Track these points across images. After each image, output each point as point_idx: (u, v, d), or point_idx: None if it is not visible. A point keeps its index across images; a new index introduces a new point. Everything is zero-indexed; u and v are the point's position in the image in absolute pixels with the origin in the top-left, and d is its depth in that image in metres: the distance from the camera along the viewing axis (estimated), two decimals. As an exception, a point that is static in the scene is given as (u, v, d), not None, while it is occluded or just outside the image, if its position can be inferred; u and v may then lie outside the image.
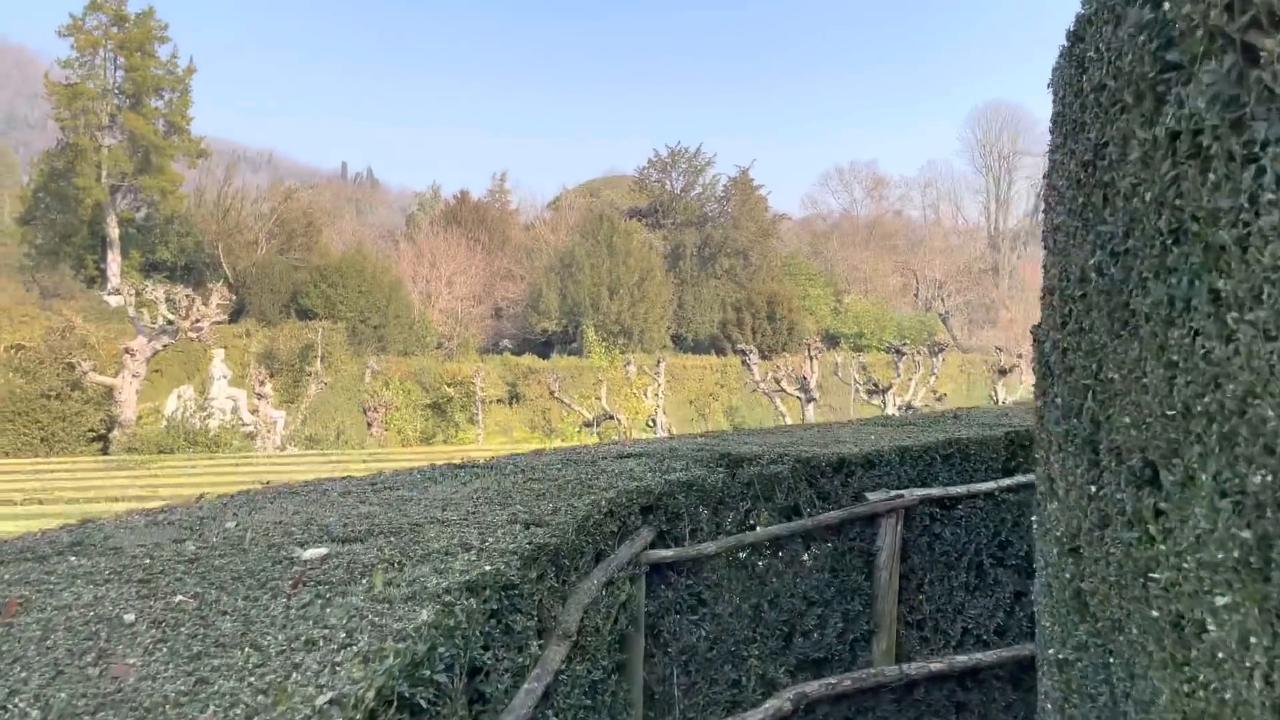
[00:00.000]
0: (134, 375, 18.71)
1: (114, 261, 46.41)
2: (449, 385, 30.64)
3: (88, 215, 46.00)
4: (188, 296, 19.84)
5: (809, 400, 23.45)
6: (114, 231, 46.67)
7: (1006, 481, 5.58)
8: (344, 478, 5.13)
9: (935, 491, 5.42)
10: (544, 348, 51.91)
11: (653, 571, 4.42)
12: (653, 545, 4.39)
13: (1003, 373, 25.14)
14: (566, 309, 50.58)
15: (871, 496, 5.28)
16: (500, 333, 57.96)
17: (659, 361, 28.11)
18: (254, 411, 29.35)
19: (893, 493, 5.32)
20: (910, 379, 25.05)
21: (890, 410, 22.85)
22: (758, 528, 4.81)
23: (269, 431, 19.77)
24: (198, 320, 19.53)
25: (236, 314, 48.57)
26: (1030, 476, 5.47)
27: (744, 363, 24.99)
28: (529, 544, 3.10)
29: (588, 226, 54.21)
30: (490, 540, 3.16)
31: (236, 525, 3.56)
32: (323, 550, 3.11)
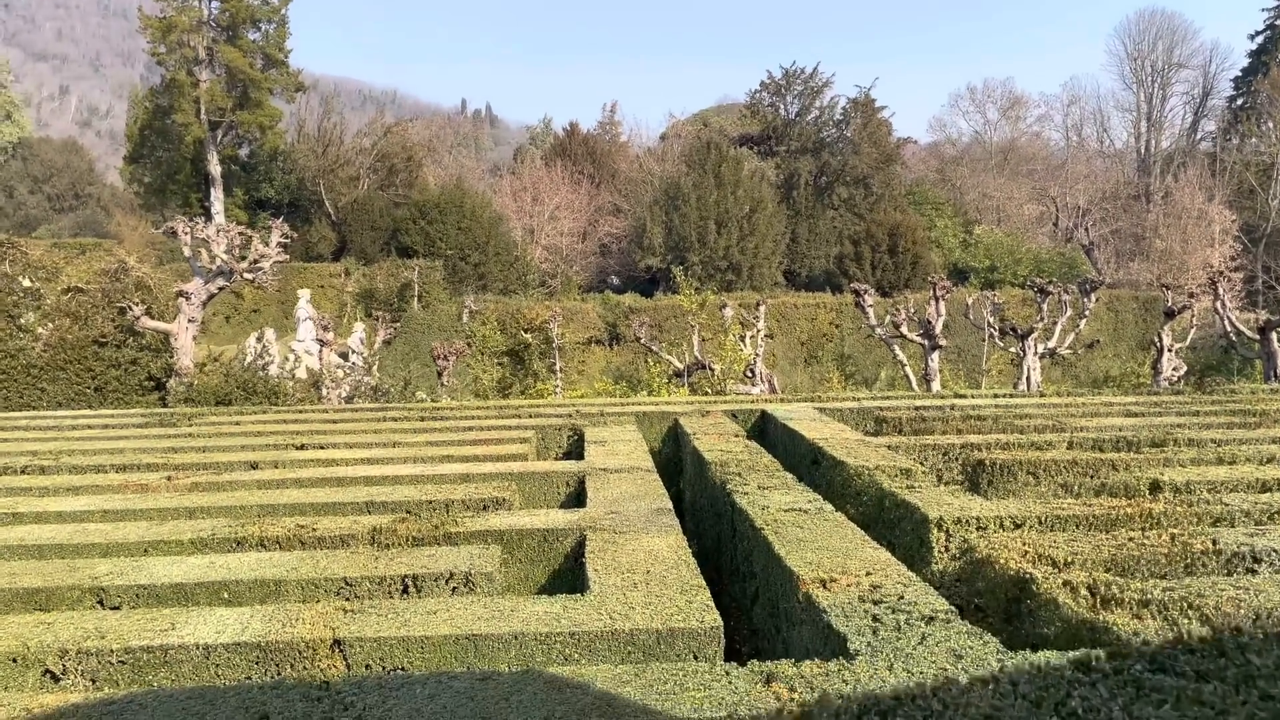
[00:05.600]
0: (190, 320, 17.41)
1: (217, 199, 46.40)
2: (525, 330, 28.70)
3: (190, 153, 45.97)
4: (242, 234, 18.36)
5: (934, 347, 20.52)
6: (215, 169, 46.55)
7: None
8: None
9: None
10: (649, 285, 49.67)
11: None
12: None
13: (1170, 315, 21.50)
14: (672, 244, 48.01)
15: None
16: (606, 270, 55.98)
17: (758, 304, 25.36)
18: (344, 356, 28.28)
19: None
20: (1056, 321, 21.72)
21: (1030, 359, 19.75)
22: None
23: (334, 383, 18.35)
24: (256, 260, 18.04)
25: (338, 252, 48.11)
26: None
27: (858, 304, 22.13)
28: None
29: (694, 156, 51.16)
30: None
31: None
32: None
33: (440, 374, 20.82)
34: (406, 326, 36.05)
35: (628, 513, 7.27)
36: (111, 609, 5.82)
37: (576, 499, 8.84)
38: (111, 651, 4.88)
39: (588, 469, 9.34)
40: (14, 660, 4.93)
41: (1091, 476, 8.11)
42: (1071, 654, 2.26)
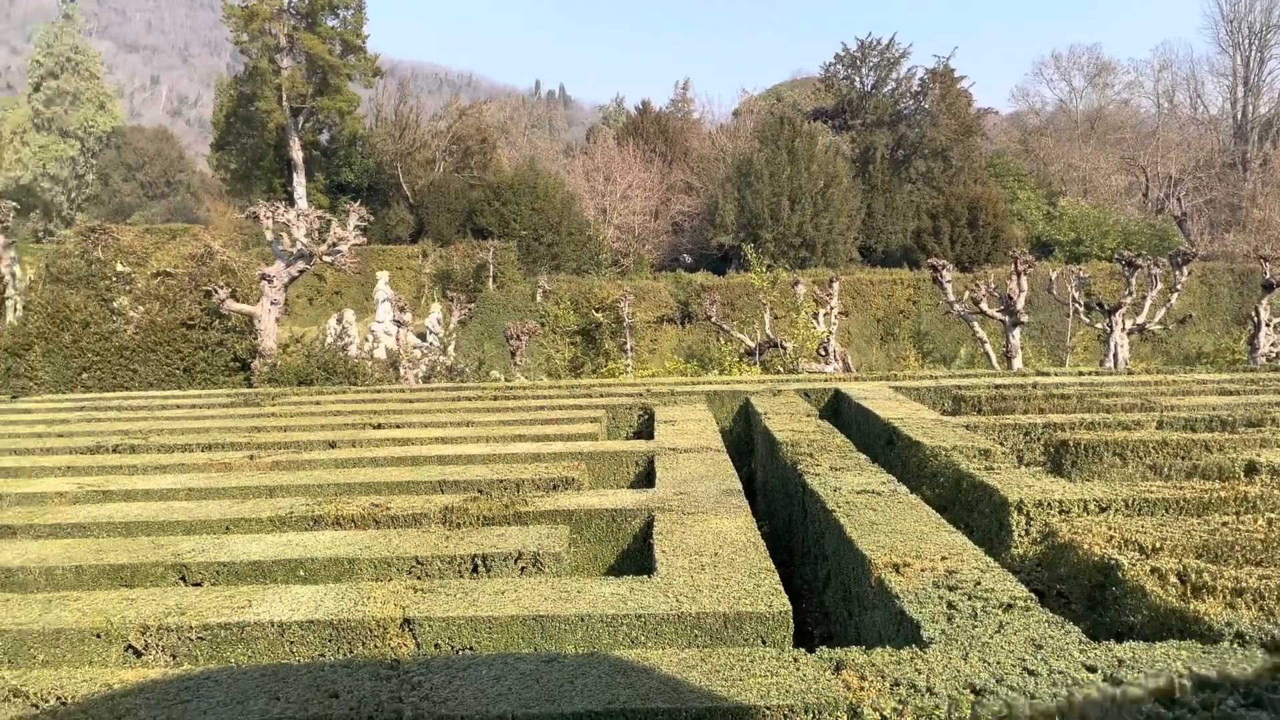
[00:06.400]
0: (272, 302, 17.87)
1: (300, 184, 47.51)
2: (596, 310, 28.69)
3: (273, 139, 47.15)
4: (321, 218, 18.74)
5: (1015, 324, 19.91)
6: (298, 154, 47.65)
7: None
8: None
9: None
10: (721, 263, 49.33)
11: None
12: None
13: (1268, 288, 20.47)
14: (744, 221, 47.51)
15: None
16: (678, 248, 55.76)
17: (831, 281, 24.90)
18: (422, 336, 28.74)
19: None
20: (1145, 295, 20.85)
21: (1117, 335, 19.02)
22: None
23: (411, 363, 18.66)
24: (335, 243, 18.40)
25: (415, 234, 48.87)
26: None
27: (935, 280, 21.58)
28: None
29: (767, 132, 50.45)
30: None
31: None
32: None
33: (514, 353, 21.02)
34: (482, 307, 36.47)
35: (696, 493, 7.19)
36: (193, 586, 5.98)
37: (646, 479, 8.78)
38: (191, 628, 4.99)
39: (657, 449, 9.26)
40: (98, 635, 5.08)
41: (1183, 458, 7.76)
42: (1152, 684, 2.05)
